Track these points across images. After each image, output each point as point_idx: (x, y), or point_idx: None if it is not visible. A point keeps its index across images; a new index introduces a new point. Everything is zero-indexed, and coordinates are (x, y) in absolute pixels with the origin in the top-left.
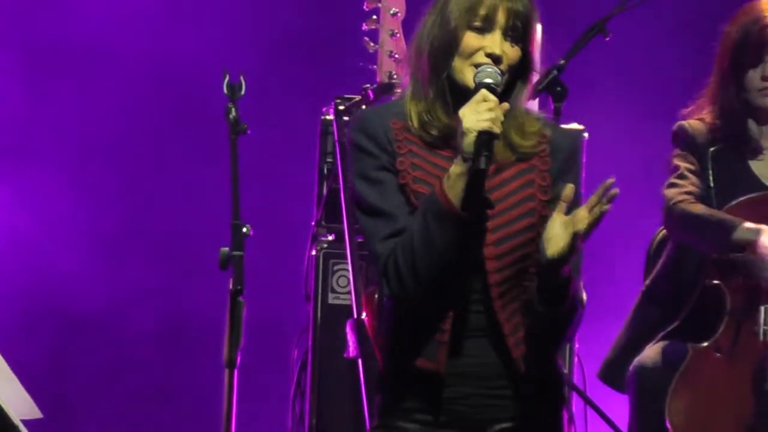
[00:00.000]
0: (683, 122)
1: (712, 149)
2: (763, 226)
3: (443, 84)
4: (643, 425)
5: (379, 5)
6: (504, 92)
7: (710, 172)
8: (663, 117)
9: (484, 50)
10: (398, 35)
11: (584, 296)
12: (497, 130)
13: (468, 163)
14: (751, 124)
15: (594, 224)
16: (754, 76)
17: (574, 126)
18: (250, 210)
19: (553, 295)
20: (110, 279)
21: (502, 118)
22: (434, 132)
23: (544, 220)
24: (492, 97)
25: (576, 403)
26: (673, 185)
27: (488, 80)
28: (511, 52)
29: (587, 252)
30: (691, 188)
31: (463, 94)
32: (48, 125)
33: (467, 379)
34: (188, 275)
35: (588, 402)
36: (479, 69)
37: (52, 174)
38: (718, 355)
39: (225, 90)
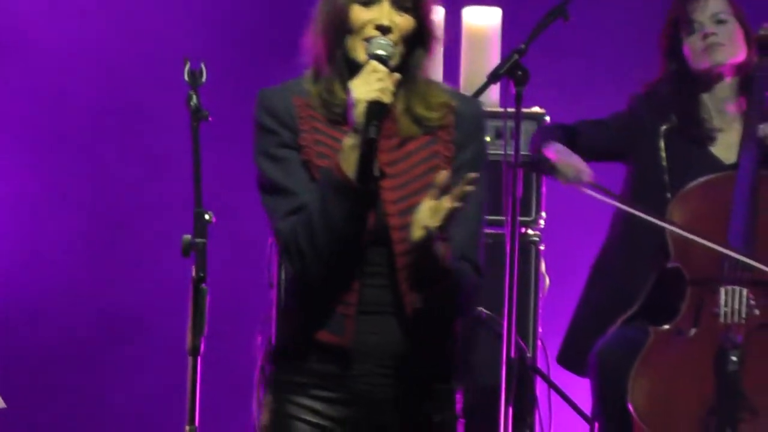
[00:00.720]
0: (637, 94)
1: (664, 127)
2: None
3: (339, 62)
4: (606, 408)
5: None
6: (405, 63)
7: (662, 151)
8: (624, 101)
9: (372, 23)
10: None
11: (547, 281)
12: (387, 99)
13: (360, 135)
14: (702, 99)
15: (448, 217)
16: (693, 40)
17: (536, 109)
18: (213, 197)
19: (424, 275)
20: (70, 267)
21: (393, 89)
22: (336, 109)
23: (449, 189)
24: (381, 67)
25: (540, 387)
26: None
27: (379, 51)
28: (402, 22)
29: (551, 238)
30: (577, 127)
31: (359, 70)
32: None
33: (369, 356)
34: (151, 263)
35: (551, 386)
36: (370, 41)
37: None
38: (679, 337)
39: (186, 77)
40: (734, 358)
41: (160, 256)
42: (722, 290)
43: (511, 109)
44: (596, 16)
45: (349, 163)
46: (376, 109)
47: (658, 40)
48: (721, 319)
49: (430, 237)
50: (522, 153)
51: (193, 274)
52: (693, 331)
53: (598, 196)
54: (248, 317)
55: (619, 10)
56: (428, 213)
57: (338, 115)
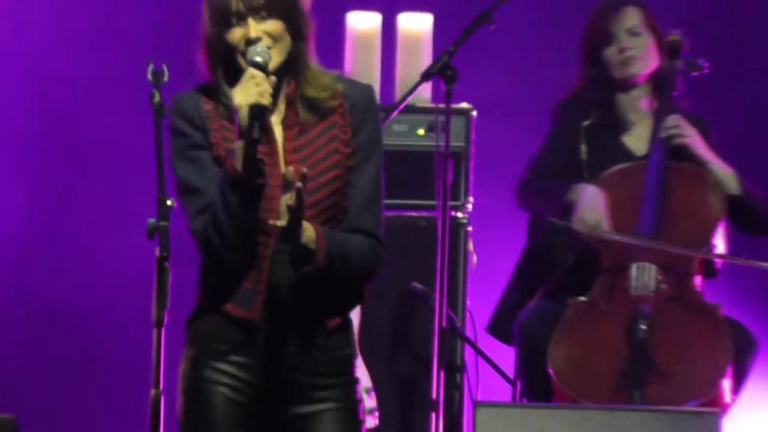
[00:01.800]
0: (560, 101)
1: (584, 124)
2: (585, 185)
3: (224, 75)
4: (528, 372)
5: None
6: (290, 64)
7: (583, 146)
8: (544, 97)
9: (243, 38)
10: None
11: (475, 259)
12: (266, 101)
13: (245, 135)
14: (619, 99)
15: (290, 212)
16: (611, 51)
17: (464, 105)
18: (173, 185)
19: (300, 259)
20: (47, 248)
21: (270, 90)
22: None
23: (348, 170)
24: (258, 73)
25: (468, 354)
26: (536, 161)
27: (256, 58)
28: (269, 27)
29: (479, 218)
30: (548, 164)
31: None
32: None
33: (278, 327)
34: (117, 246)
35: (478, 352)
36: (247, 51)
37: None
38: (595, 308)
39: (149, 77)
40: (643, 327)
41: (126, 241)
42: (633, 266)
43: (441, 105)
44: (518, 19)
45: (239, 161)
46: (257, 111)
47: (579, 46)
48: (632, 292)
49: (285, 231)
50: (451, 144)
51: (157, 253)
52: (607, 302)
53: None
54: None
55: (541, 14)
56: (282, 209)
57: None
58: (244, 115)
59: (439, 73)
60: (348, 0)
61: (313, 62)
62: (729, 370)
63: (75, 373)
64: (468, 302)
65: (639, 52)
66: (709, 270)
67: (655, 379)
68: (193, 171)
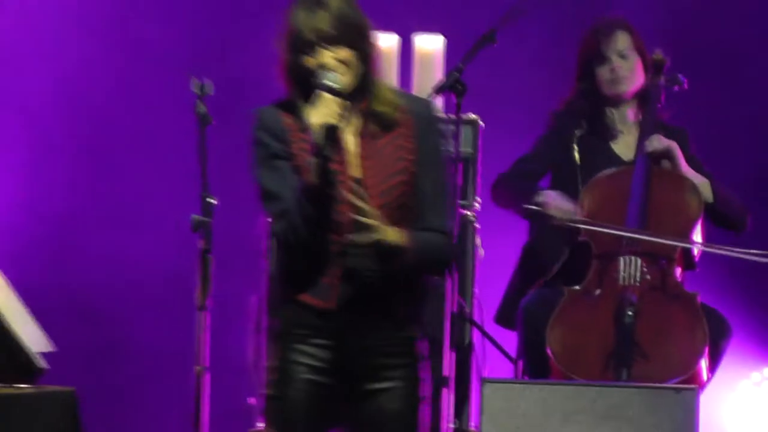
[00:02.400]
0: (555, 111)
1: (577, 133)
2: (545, 191)
3: (301, 95)
4: (529, 352)
5: None
6: (361, 86)
7: (576, 152)
8: (544, 109)
9: (319, 64)
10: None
11: (482, 252)
12: (335, 121)
13: (318, 151)
14: (608, 111)
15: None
16: (603, 71)
17: (471, 116)
18: (217, 185)
19: (385, 257)
20: (98, 243)
21: (339, 111)
22: None
23: (414, 175)
24: (330, 96)
25: (476, 336)
26: (519, 161)
27: (328, 83)
28: (340, 54)
29: (486, 216)
30: (529, 167)
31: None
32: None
33: (353, 314)
34: (163, 239)
35: (485, 334)
36: (320, 76)
37: (40, 149)
38: (588, 295)
39: (194, 89)
40: (630, 313)
41: (170, 236)
42: (621, 259)
43: (452, 116)
44: (519, 40)
45: (315, 173)
46: (329, 130)
47: (576, 63)
48: (620, 282)
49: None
50: (461, 150)
51: (201, 246)
52: (598, 291)
53: (586, 227)
54: (242, 281)
55: (540, 36)
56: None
57: None
58: (317, 133)
59: (450, 87)
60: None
61: (380, 80)
62: (705, 352)
63: (118, 355)
64: (476, 290)
65: (627, 73)
66: (688, 263)
67: (640, 359)
68: (273, 179)
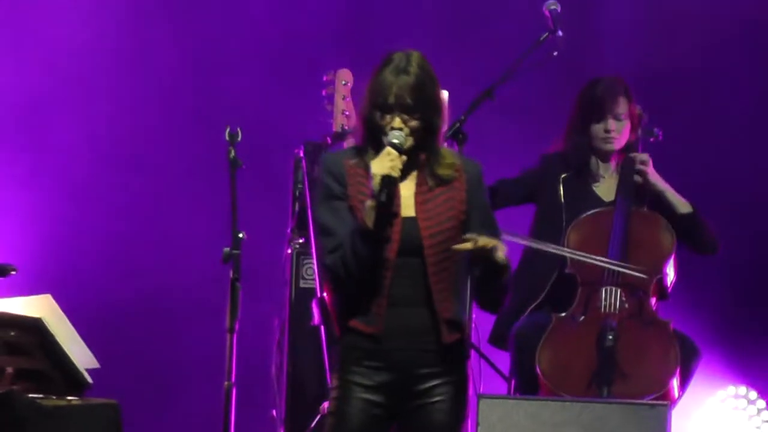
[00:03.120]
0: (548, 154)
1: (563, 175)
2: None
3: (371, 146)
4: (521, 371)
5: (334, 77)
6: (422, 145)
7: (561, 192)
8: (536, 154)
9: (389, 124)
10: (348, 99)
11: None
12: (395, 174)
13: (376, 198)
14: (593, 160)
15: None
16: (598, 128)
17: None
18: (245, 220)
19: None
20: (137, 272)
21: (400, 166)
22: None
23: (463, 222)
24: (393, 152)
25: (473, 356)
26: (501, 181)
27: (394, 140)
28: (411, 123)
29: None
30: (506, 189)
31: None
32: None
33: (401, 336)
34: (193, 271)
35: (481, 354)
36: (387, 133)
37: (82, 181)
38: (573, 321)
39: (226, 137)
40: (610, 337)
41: (193, 261)
42: (603, 290)
43: None
44: (517, 93)
45: (369, 217)
46: (387, 181)
47: (572, 113)
48: (602, 310)
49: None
50: None
51: (231, 275)
52: (582, 317)
53: (523, 242)
54: (266, 306)
55: (532, 89)
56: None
57: None
58: (377, 182)
59: (453, 136)
60: None
61: (443, 147)
62: (677, 372)
63: (156, 372)
64: (474, 315)
65: (618, 135)
66: (662, 293)
67: (619, 378)
68: (331, 216)
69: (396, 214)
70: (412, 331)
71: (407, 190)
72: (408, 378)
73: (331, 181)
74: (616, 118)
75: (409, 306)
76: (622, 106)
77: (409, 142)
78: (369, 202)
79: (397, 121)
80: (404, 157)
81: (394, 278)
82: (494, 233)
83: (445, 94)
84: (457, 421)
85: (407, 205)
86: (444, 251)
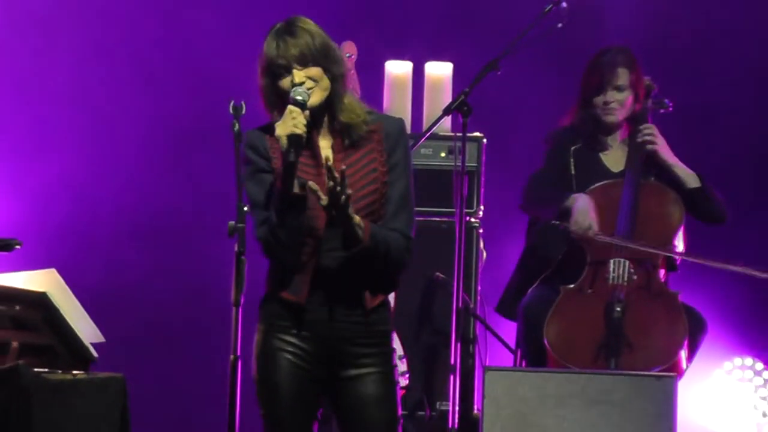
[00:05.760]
0: (554, 130)
1: (573, 147)
2: (578, 195)
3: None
4: (528, 344)
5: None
6: (334, 94)
7: (572, 164)
8: (541, 128)
9: (290, 82)
10: (352, 71)
11: (485, 254)
12: (300, 131)
13: (284, 159)
14: (600, 131)
15: (331, 191)
16: (598, 100)
17: (477, 134)
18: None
19: (349, 241)
20: (143, 245)
21: (303, 120)
22: None
23: (385, 184)
24: (295, 108)
25: (479, 329)
26: (537, 174)
27: (297, 97)
28: (311, 72)
29: (488, 222)
30: (545, 178)
31: None
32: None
33: (323, 307)
34: (200, 244)
35: (487, 326)
36: (291, 91)
37: (96, 165)
38: (581, 293)
39: (231, 110)
40: (618, 309)
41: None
42: (611, 261)
43: (459, 134)
44: (521, 66)
45: (284, 179)
46: (293, 139)
47: (578, 87)
48: (610, 282)
49: (334, 213)
50: (466, 164)
51: (236, 248)
52: (590, 289)
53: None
54: None
55: (537, 60)
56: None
57: None
58: (284, 143)
59: (458, 108)
60: (386, 52)
61: (348, 97)
62: (684, 344)
63: (163, 346)
64: (479, 288)
65: (618, 106)
66: (671, 265)
67: (626, 350)
68: (258, 190)
69: (300, 177)
70: (337, 302)
71: (323, 159)
72: (335, 348)
73: (255, 156)
74: (617, 89)
75: (334, 276)
76: (623, 78)
77: (315, 96)
78: (282, 165)
79: (297, 74)
80: (307, 113)
81: (322, 248)
82: (404, 198)
83: (449, 67)
84: (391, 393)
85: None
86: (369, 218)
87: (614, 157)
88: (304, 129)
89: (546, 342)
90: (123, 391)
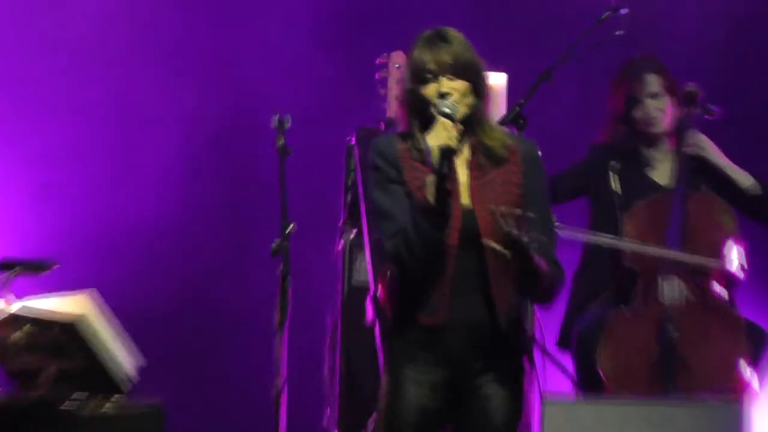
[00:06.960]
0: (595, 143)
1: (612, 163)
2: None
3: (419, 124)
4: (583, 372)
5: (387, 60)
6: (472, 116)
7: (613, 180)
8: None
9: (436, 92)
10: (401, 82)
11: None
12: (453, 144)
13: (436, 172)
14: (643, 144)
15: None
16: (638, 114)
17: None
18: (295, 212)
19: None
20: (183, 267)
21: (456, 134)
22: (423, 155)
23: (520, 205)
24: (447, 121)
25: (536, 355)
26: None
27: (445, 109)
28: (458, 86)
29: None
30: (559, 182)
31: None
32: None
33: (459, 329)
34: (245, 262)
35: (545, 353)
36: (437, 104)
37: (156, 177)
38: (633, 316)
39: (275, 124)
40: (672, 329)
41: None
42: (662, 279)
43: None
44: (572, 79)
45: (430, 192)
46: (446, 151)
47: (610, 104)
48: (662, 301)
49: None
50: None
51: (281, 268)
52: (643, 311)
53: (581, 237)
54: (317, 302)
55: (589, 72)
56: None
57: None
58: (435, 155)
59: (513, 121)
60: None
61: (490, 117)
62: (744, 361)
63: (207, 369)
64: (537, 314)
65: (660, 113)
66: (728, 279)
67: (681, 371)
68: (388, 200)
69: (450, 191)
70: (471, 323)
71: (460, 176)
72: (464, 373)
73: (385, 166)
74: (653, 97)
75: (468, 297)
76: (654, 84)
77: (462, 109)
78: (429, 178)
79: (444, 82)
80: (460, 126)
81: (456, 267)
82: (546, 224)
83: (503, 78)
84: (514, 420)
85: (462, 194)
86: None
87: (662, 171)
88: (457, 142)
89: (600, 370)
90: (161, 414)
